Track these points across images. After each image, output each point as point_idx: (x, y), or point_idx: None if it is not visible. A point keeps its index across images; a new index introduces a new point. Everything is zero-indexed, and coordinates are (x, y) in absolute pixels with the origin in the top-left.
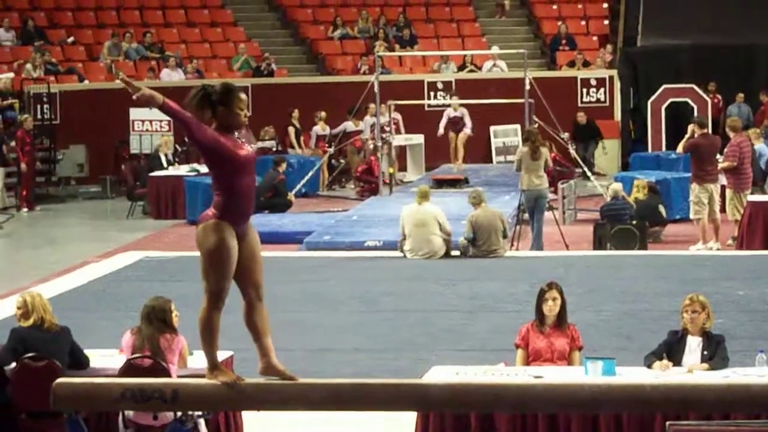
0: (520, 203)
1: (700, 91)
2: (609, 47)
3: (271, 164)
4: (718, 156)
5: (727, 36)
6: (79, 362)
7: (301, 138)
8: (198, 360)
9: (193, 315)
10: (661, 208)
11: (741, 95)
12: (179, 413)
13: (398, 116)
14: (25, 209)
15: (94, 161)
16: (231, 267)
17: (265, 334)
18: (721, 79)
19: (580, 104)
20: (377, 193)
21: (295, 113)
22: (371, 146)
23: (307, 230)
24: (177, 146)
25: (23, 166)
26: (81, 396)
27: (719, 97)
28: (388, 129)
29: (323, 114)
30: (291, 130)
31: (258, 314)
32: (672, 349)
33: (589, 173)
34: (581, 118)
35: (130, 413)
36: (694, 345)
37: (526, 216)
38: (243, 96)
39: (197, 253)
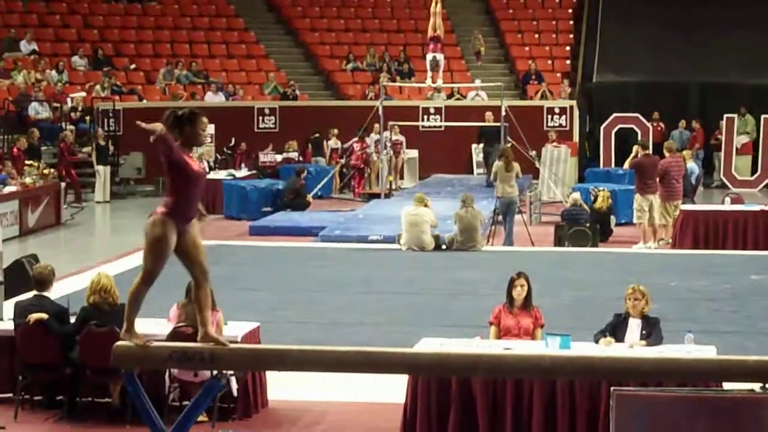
0: (495, 207)
1: (644, 119)
2: (566, 82)
3: (293, 171)
4: None
5: (667, 74)
6: None
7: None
8: (232, 329)
9: (229, 293)
10: (612, 219)
11: (683, 122)
12: (215, 372)
13: (402, 138)
14: (74, 205)
15: (150, 165)
16: (167, 255)
17: (206, 308)
18: (662, 110)
19: (545, 128)
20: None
21: (335, 131)
22: (375, 157)
23: (321, 225)
24: (217, 155)
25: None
26: (136, 356)
27: (662, 125)
28: (389, 145)
29: (335, 131)
30: (326, 143)
31: (203, 291)
32: (616, 329)
33: (554, 187)
34: (489, 117)
35: (175, 371)
36: (634, 326)
37: (501, 218)
38: (205, 119)
39: (233, 242)
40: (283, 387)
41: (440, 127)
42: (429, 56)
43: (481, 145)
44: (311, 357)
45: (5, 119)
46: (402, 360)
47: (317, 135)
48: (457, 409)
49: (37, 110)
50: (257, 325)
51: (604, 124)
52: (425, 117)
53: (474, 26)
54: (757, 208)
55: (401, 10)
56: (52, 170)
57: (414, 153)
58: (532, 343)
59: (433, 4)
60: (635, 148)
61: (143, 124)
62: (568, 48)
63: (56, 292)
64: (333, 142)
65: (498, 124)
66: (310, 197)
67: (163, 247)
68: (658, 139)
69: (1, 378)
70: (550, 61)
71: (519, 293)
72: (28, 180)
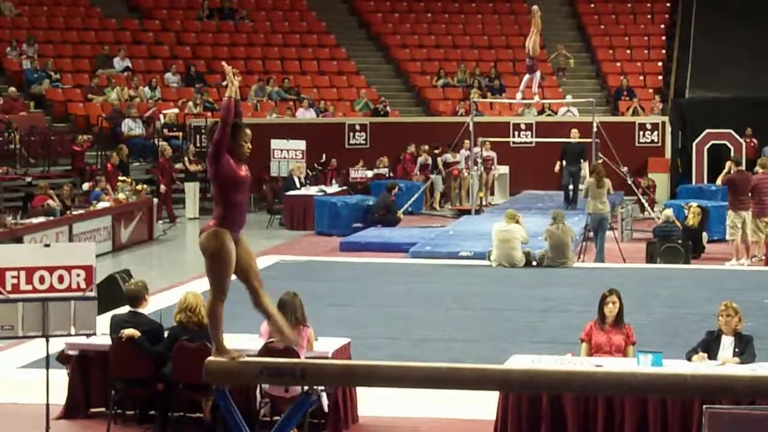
0: (587, 224)
1: (737, 135)
2: (658, 98)
3: (384, 187)
4: None
5: (760, 90)
6: None
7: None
8: (322, 345)
9: (320, 308)
10: (704, 236)
11: None
12: (306, 387)
13: (493, 154)
14: (167, 221)
15: None
16: (232, 266)
17: (275, 313)
18: (755, 125)
19: (637, 144)
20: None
21: (425, 147)
22: (464, 174)
23: (412, 241)
24: (308, 171)
25: (162, 187)
26: (227, 372)
27: (755, 140)
28: (480, 161)
29: (426, 147)
30: (439, 160)
31: (263, 299)
32: (709, 346)
33: (645, 203)
34: (574, 134)
35: (266, 386)
36: (727, 343)
37: (591, 234)
38: (248, 131)
39: (324, 258)
40: (373, 403)
41: (531, 143)
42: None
43: (563, 164)
44: (402, 373)
45: (99, 135)
46: (493, 376)
47: (437, 150)
48: (548, 426)
49: (130, 126)
50: (348, 341)
51: (697, 140)
52: (516, 133)
53: (565, 42)
54: None
55: (492, 26)
56: (145, 186)
57: (505, 169)
58: (623, 361)
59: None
60: (728, 164)
61: (227, 66)
62: (660, 63)
63: (150, 307)
64: (423, 159)
65: (582, 140)
66: (400, 213)
67: (225, 258)
68: (751, 155)
69: (95, 392)
70: (641, 77)
71: (611, 310)
72: (121, 196)
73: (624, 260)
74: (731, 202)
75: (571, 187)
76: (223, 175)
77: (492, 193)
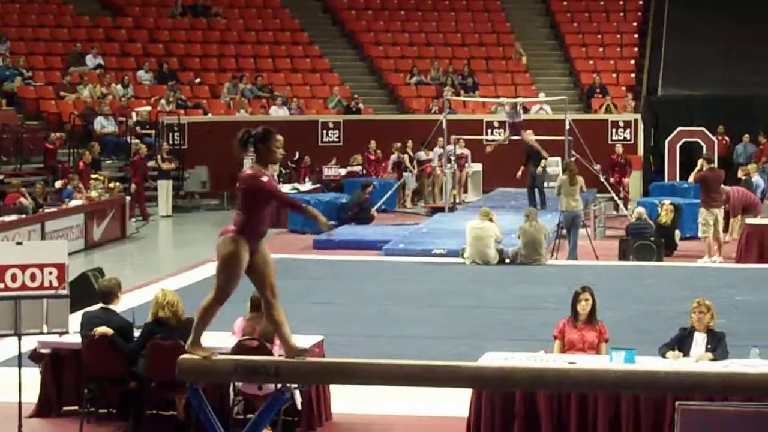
0: (560, 221)
1: (709, 133)
2: (630, 95)
3: (359, 185)
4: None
5: (732, 88)
6: None
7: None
8: (296, 343)
9: (293, 306)
10: (677, 233)
11: (747, 137)
12: (280, 385)
13: (467, 152)
14: (139, 219)
15: (215, 179)
16: (240, 273)
17: (283, 325)
18: (727, 123)
19: (610, 142)
20: None
21: (409, 143)
22: (438, 171)
23: (385, 239)
24: (281, 168)
25: (133, 186)
26: (201, 369)
27: (726, 138)
28: (453, 159)
29: (398, 144)
30: (406, 157)
31: (275, 310)
32: (682, 343)
33: (618, 201)
34: (529, 134)
35: (239, 384)
36: (700, 340)
37: (564, 232)
38: (279, 137)
39: (298, 256)
40: (347, 400)
41: (504, 140)
42: None
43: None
44: (376, 371)
45: (72, 133)
46: (466, 374)
47: (409, 147)
48: (521, 423)
49: (103, 124)
50: (321, 338)
51: (669, 138)
52: (489, 131)
53: (538, 40)
54: None
55: (466, 23)
56: (118, 184)
57: (478, 167)
58: (596, 358)
59: None
60: (700, 161)
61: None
62: (632, 61)
63: (122, 305)
64: (396, 156)
65: (541, 138)
66: (374, 211)
67: (236, 265)
68: (723, 153)
69: (68, 390)
70: (614, 75)
71: (583, 307)
72: (93, 194)
73: (597, 257)
74: (703, 200)
75: (536, 190)
76: (254, 193)
77: (465, 191)
